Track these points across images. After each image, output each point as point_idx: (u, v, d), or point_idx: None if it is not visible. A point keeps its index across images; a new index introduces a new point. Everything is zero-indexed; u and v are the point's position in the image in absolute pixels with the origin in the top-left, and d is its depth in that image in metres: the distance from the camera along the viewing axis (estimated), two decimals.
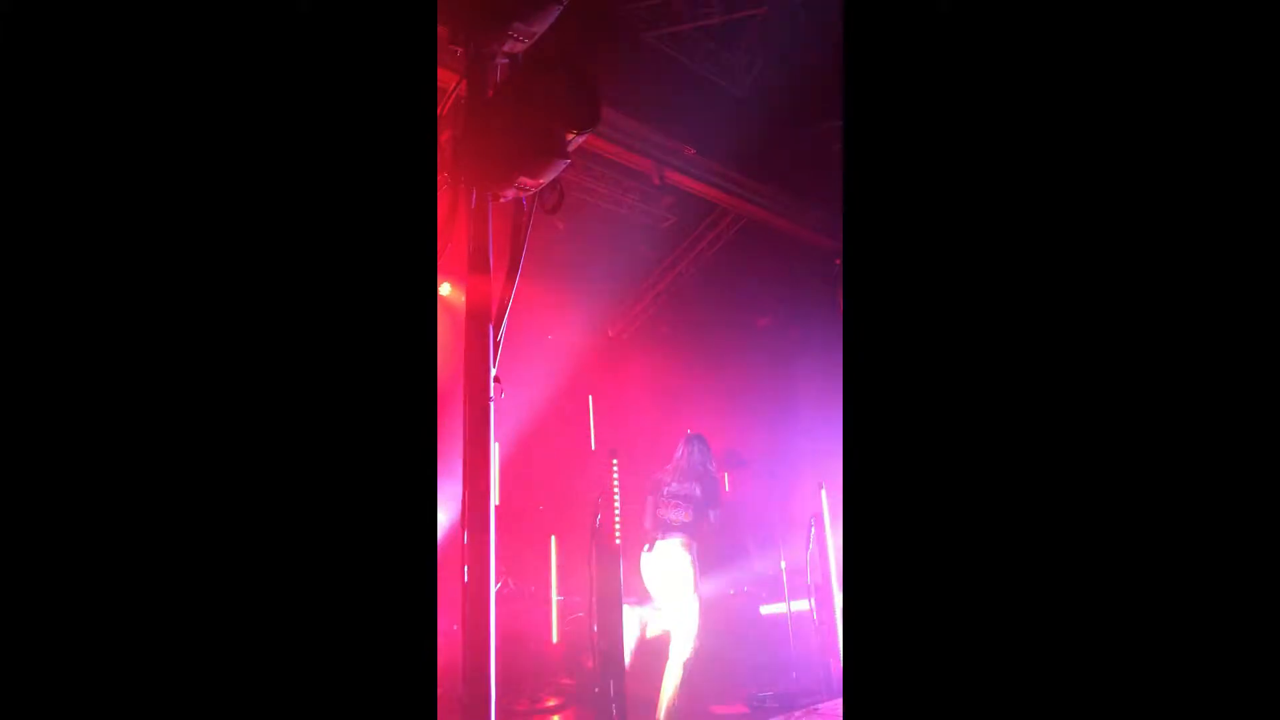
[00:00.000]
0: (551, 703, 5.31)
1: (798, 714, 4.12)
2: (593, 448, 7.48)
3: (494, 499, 2.60)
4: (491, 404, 2.64)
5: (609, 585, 4.02)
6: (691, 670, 3.85)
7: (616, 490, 4.51)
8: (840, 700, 4.35)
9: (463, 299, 2.69)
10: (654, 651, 4.29)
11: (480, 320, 2.61)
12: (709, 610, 4.29)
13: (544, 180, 2.44)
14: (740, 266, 7.43)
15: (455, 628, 4.70)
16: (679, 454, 4.24)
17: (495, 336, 2.65)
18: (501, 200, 2.63)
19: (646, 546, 4.10)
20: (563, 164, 2.35)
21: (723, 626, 5.19)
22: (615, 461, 4.60)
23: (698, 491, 4.05)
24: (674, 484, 4.12)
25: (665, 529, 4.00)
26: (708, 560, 4.60)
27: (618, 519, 4.39)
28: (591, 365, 7.68)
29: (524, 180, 2.44)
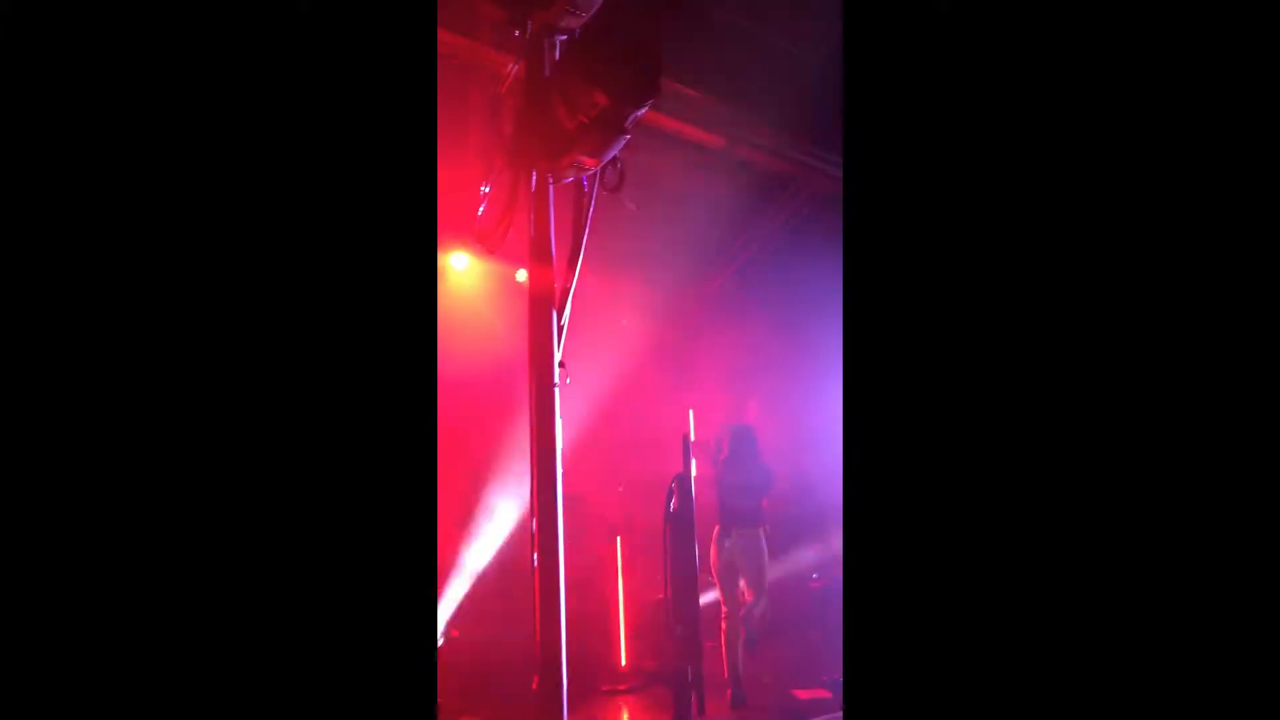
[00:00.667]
0: (629, 686, 5.35)
1: None
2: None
3: (559, 485, 2.59)
4: (556, 389, 2.62)
5: (685, 566, 3.98)
6: (756, 631, 4.38)
7: (693, 472, 4.46)
8: None
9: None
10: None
11: (544, 306, 2.59)
12: (785, 595, 4.69)
13: (603, 159, 2.38)
14: (815, 242, 7.16)
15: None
16: (724, 445, 4.66)
17: (559, 321, 2.63)
18: (562, 182, 2.59)
19: (722, 532, 4.48)
20: (622, 140, 2.28)
21: (801, 612, 5.08)
22: (690, 441, 4.53)
23: (756, 479, 4.51)
24: (730, 476, 4.53)
25: (739, 518, 4.44)
26: (783, 544, 4.80)
27: (693, 501, 4.33)
28: (667, 345, 7.60)
29: (583, 159, 2.39)
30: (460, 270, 7.64)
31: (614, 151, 2.37)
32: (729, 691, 4.38)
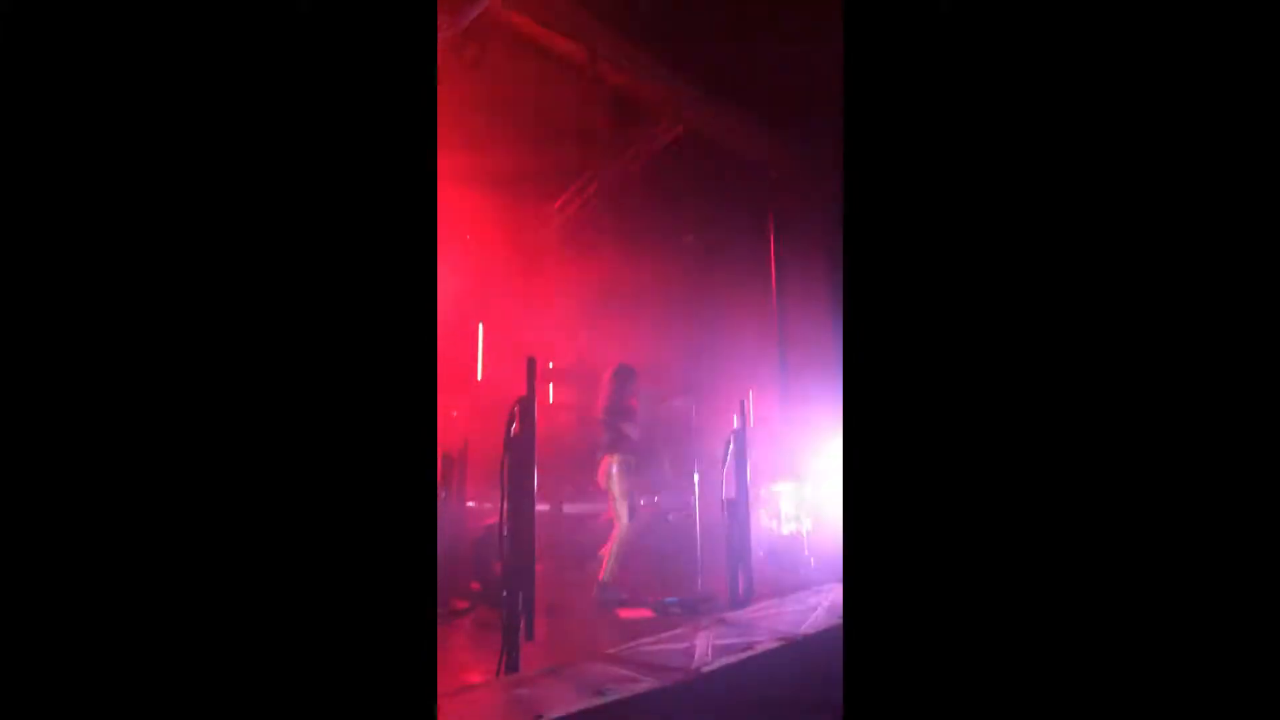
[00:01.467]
0: (459, 607, 5.26)
1: (704, 621, 4.22)
2: (479, 377, 7.33)
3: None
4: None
5: (522, 492, 3.89)
6: (625, 551, 5.12)
7: (533, 400, 4.33)
8: (746, 609, 4.48)
9: None
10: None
11: None
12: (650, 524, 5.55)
13: (460, 23, 2.09)
14: (669, 179, 7.15)
15: None
16: (609, 387, 5.30)
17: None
18: None
19: (601, 457, 5.24)
20: (480, 6, 2.01)
21: (633, 537, 5.24)
22: (534, 368, 4.38)
23: (621, 419, 5.21)
24: (605, 413, 5.24)
25: (608, 448, 5.22)
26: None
27: (533, 428, 4.22)
28: (510, 270, 7.34)
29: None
30: None
31: (472, 14, 2.08)
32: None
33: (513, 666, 3.53)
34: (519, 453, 4.06)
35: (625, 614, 4.87)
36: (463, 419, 6.76)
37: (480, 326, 7.79)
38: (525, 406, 4.17)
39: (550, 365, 7.56)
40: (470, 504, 6.31)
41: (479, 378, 7.42)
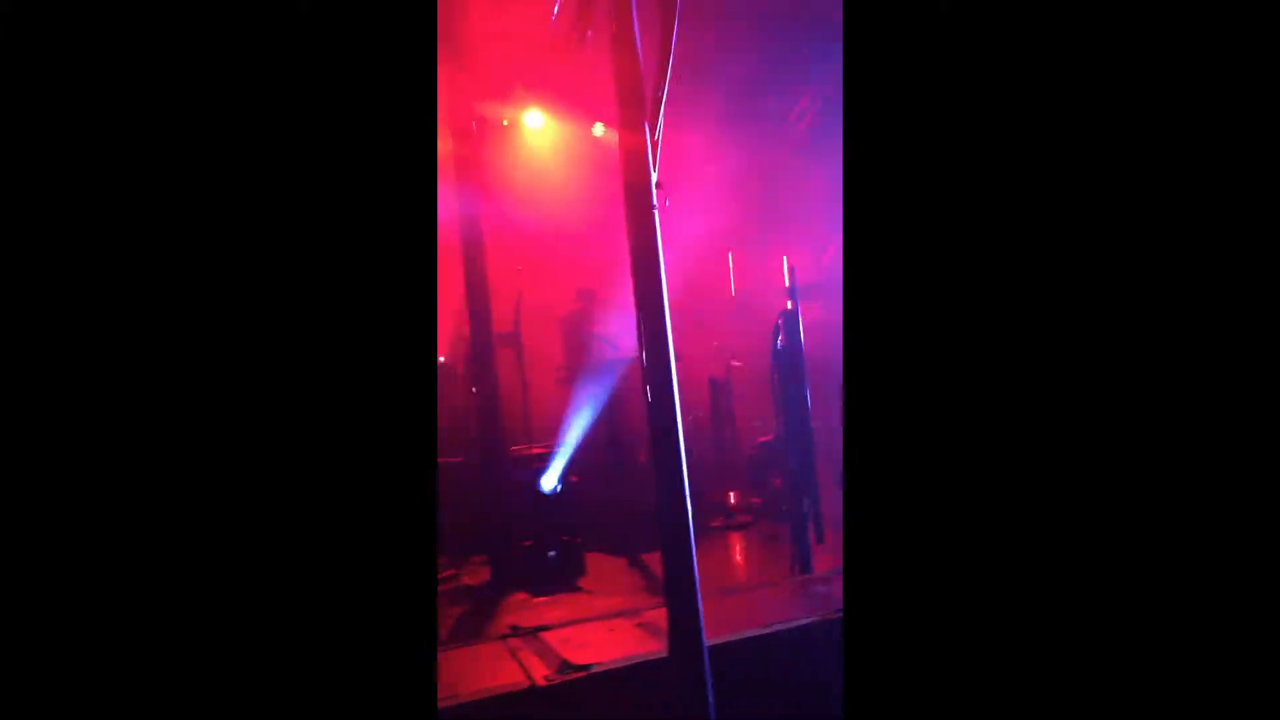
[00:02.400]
0: (740, 522, 5.52)
1: None
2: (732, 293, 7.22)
3: (666, 314, 2.47)
4: (655, 213, 2.44)
5: (796, 401, 3.90)
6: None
7: (797, 313, 4.27)
8: None
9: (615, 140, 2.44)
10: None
11: (633, 116, 2.36)
12: None
13: None
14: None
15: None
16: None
17: (653, 135, 2.40)
18: None
19: None
20: None
21: None
22: (793, 274, 4.31)
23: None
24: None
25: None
26: None
27: (800, 337, 4.17)
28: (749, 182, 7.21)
29: None
30: (535, 129, 7.35)
31: None
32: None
33: (805, 567, 3.62)
34: (786, 365, 4.06)
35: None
36: (727, 339, 6.89)
37: (730, 255, 7.79)
38: (789, 319, 4.14)
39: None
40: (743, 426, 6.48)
41: (732, 293, 7.47)
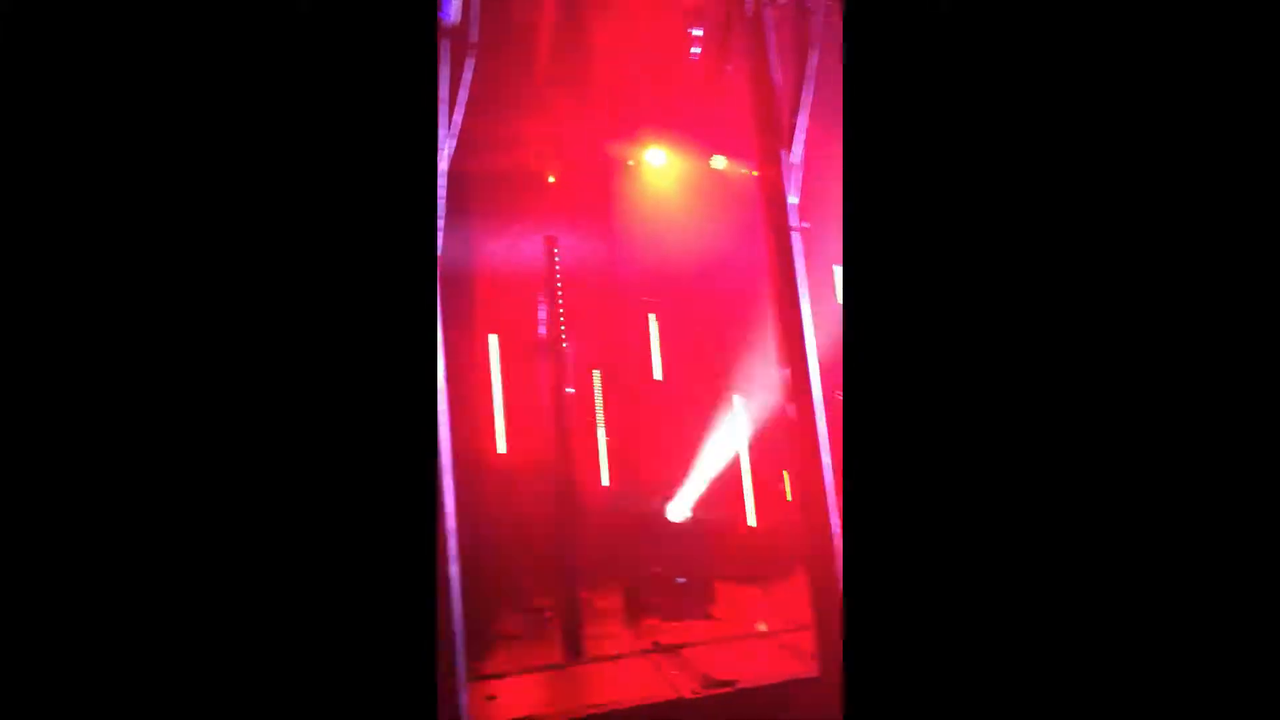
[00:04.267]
0: None
1: None
2: None
3: (811, 338, 2.50)
4: (795, 234, 2.50)
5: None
6: None
7: None
8: None
9: (741, 172, 2.53)
10: None
11: (770, 142, 2.45)
12: None
13: None
14: None
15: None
16: None
17: (790, 158, 2.47)
18: (780, 2, 2.38)
19: None
20: None
21: None
22: None
23: None
24: None
25: None
26: None
27: None
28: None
29: None
30: (657, 167, 7.59)
31: None
32: None
33: None
34: None
35: None
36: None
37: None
38: None
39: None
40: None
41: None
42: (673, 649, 3.02)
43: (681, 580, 4.64)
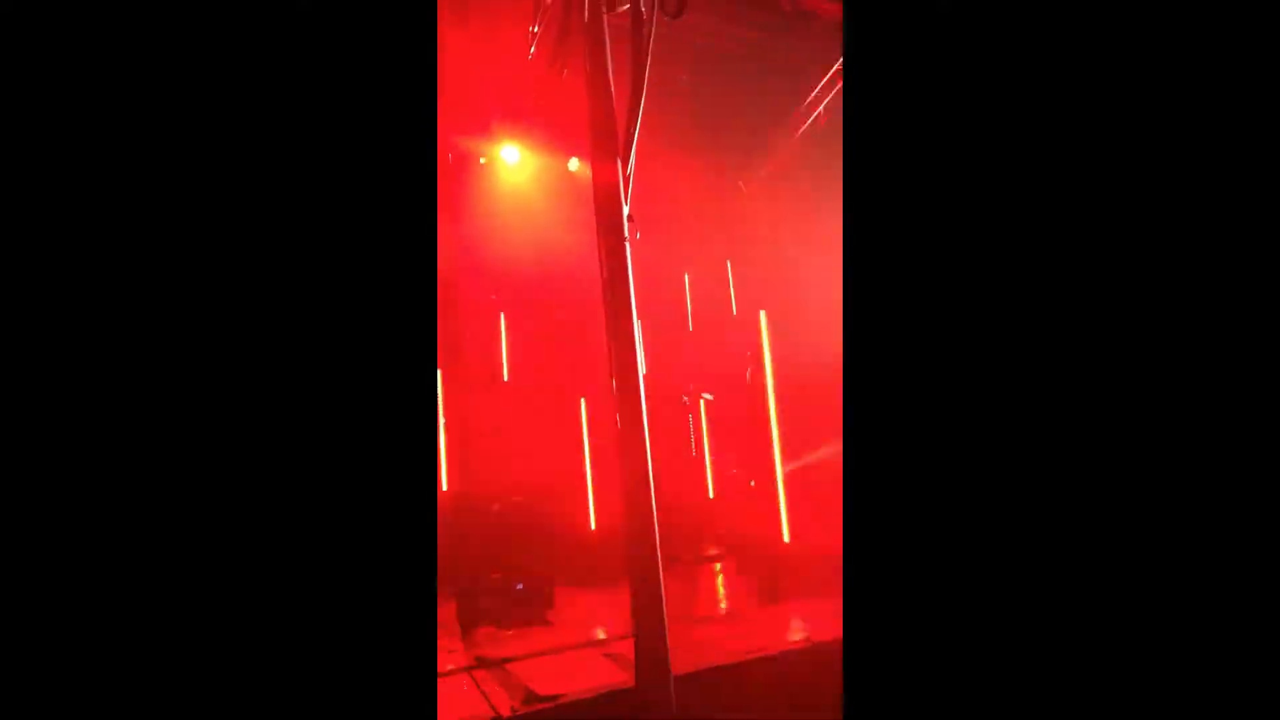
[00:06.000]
0: (712, 552, 5.51)
1: None
2: (733, 312, 7.29)
3: (640, 347, 2.51)
4: (627, 244, 2.50)
5: (764, 437, 3.95)
6: None
7: (766, 348, 4.36)
8: None
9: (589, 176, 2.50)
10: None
11: (606, 151, 2.44)
12: None
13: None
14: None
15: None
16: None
17: (624, 170, 2.47)
18: (618, 10, 2.37)
19: None
20: None
21: None
22: (764, 316, 4.41)
23: None
24: None
25: None
26: None
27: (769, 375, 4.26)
28: (731, 219, 7.34)
29: None
30: (512, 164, 7.44)
31: None
32: None
33: (771, 599, 3.63)
34: (755, 401, 4.11)
35: None
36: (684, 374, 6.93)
37: (686, 276, 7.79)
38: (757, 354, 4.22)
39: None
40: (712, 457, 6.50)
41: (690, 328, 7.52)
42: (498, 663, 2.93)
43: (520, 586, 4.55)
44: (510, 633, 3.98)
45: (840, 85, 6.08)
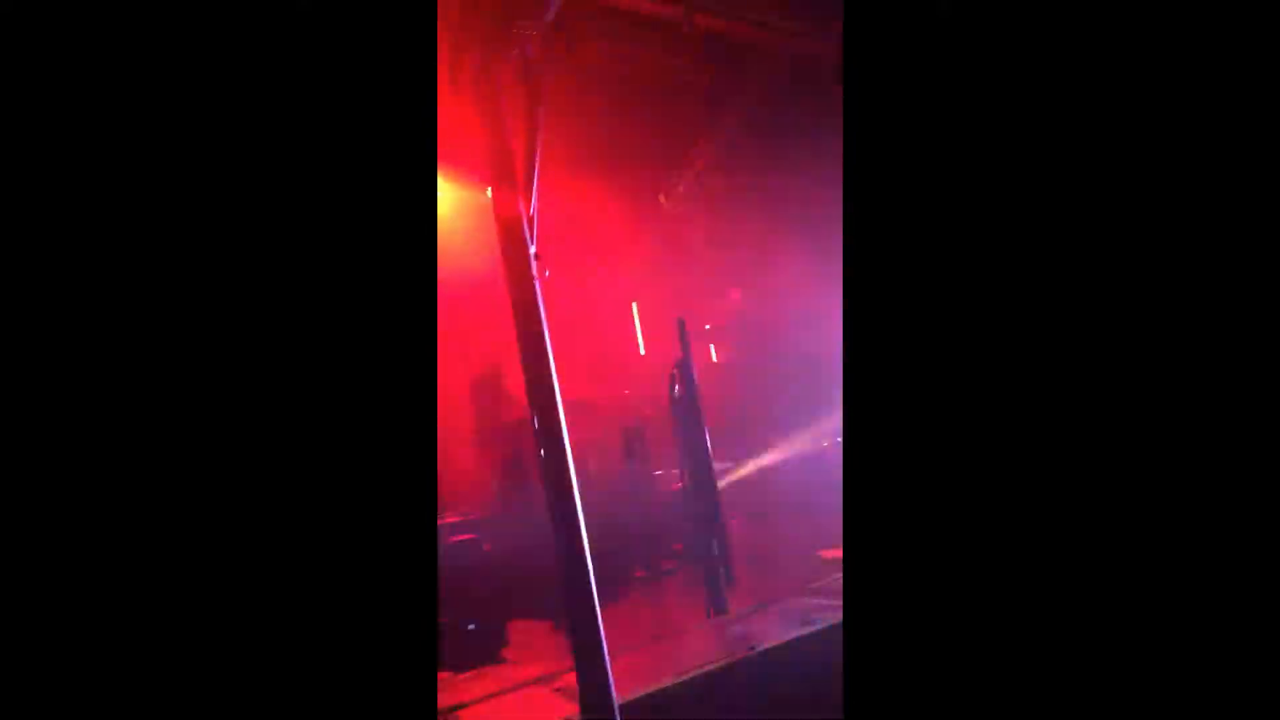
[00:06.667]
0: (667, 567, 5.54)
1: None
2: (641, 351, 7.42)
3: (553, 376, 2.55)
4: (536, 283, 2.54)
5: (697, 447, 4.01)
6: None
7: (689, 361, 4.43)
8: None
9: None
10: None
11: (508, 195, 2.47)
12: None
13: (544, 19, 2.20)
14: (796, 117, 6.84)
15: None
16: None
17: (528, 211, 2.51)
18: (508, 59, 2.41)
19: None
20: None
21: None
22: (683, 325, 4.47)
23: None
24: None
25: None
26: None
27: (695, 385, 4.32)
28: (644, 238, 7.44)
29: (523, 24, 2.21)
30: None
31: (552, 10, 2.18)
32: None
33: (720, 609, 3.69)
34: (684, 413, 4.18)
35: (827, 554, 4.87)
36: (634, 395, 7.01)
37: (635, 305, 7.97)
38: (683, 368, 4.29)
39: (707, 327, 7.66)
40: (658, 472, 6.57)
41: (642, 352, 7.65)
42: (448, 713, 2.89)
43: (471, 626, 4.49)
44: (464, 676, 3.92)
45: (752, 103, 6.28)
